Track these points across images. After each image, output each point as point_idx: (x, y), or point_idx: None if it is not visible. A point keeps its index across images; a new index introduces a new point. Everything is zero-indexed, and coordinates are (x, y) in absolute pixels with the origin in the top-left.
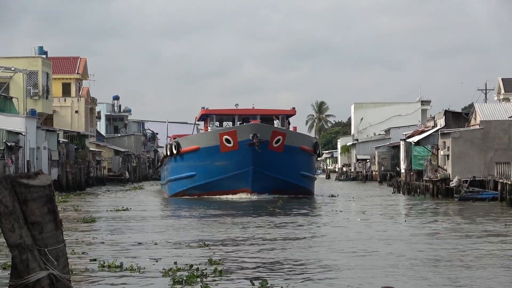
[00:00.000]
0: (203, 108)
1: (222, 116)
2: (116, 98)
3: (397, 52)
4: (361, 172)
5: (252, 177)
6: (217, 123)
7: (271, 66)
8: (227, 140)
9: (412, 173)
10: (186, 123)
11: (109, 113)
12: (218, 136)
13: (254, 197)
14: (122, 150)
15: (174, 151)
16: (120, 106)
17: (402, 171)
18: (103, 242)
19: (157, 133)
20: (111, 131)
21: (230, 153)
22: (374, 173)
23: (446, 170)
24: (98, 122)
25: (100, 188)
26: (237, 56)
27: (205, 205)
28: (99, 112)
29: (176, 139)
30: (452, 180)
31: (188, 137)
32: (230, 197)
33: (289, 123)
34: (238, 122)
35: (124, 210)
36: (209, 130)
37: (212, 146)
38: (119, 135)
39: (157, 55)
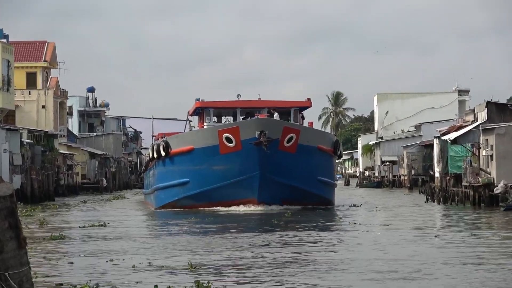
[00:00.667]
0: (197, 100)
1: (221, 110)
2: (91, 90)
3: (428, 32)
4: (386, 176)
5: (258, 184)
6: (214, 118)
7: (277, 51)
8: (228, 139)
9: (448, 178)
10: (176, 119)
11: (82, 108)
12: (217, 134)
13: (261, 208)
14: (99, 152)
15: (162, 153)
16: (95, 99)
17: (437, 175)
18: (72, 262)
19: (140, 132)
20: (85, 130)
21: (231, 154)
22: (402, 177)
23: (489, 174)
24: (69, 119)
25: (73, 199)
26: (237, 39)
27: (198, 218)
28: (70, 107)
29: (164, 138)
30: (496, 186)
31: (180, 136)
32: (231, 209)
33: (303, 118)
34: (241, 117)
35: (101, 225)
36: (205, 126)
37: (209, 146)
38: (95, 134)
39: (141, 39)
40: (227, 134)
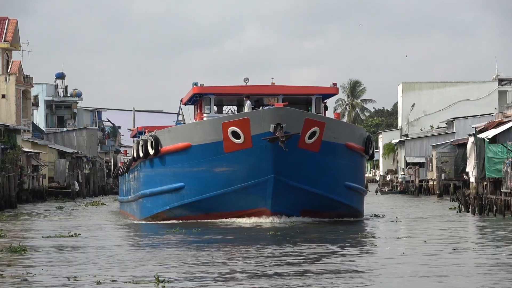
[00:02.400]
0: (195, 84)
1: (223, 97)
2: (61, 76)
3: (464, 11)
4: (412, 181)
5: (272, 190)
6: (215, 108)
7: (285, 31)
8: (235, 134)
9: (485, 183)
10: (162, 112)
11: (50, 98)
12: (221, 127)
13: (276, 220)
14: (70, 151)
15: (151, 151)
16: (66, 88)
17: (472, 180)
18: (26, 279)
19: (119, 127)
20: (53, 124)
21: (238, 153)
22: (431, 183)
23: None
24: (35, 111)
25: (39, 206)
26: (237, 18)
27: (183, 230)
28: (36, 97)
29: (153, 133)
30: None
31: (173, 130)
32: (237, 221)
33: (326, 108)
34: (250, 106)
35: (71, 236)
36: (205, 118)
37: (211, 143)
38: (65, 129)
39: (122, 16)
40: (234, 128)
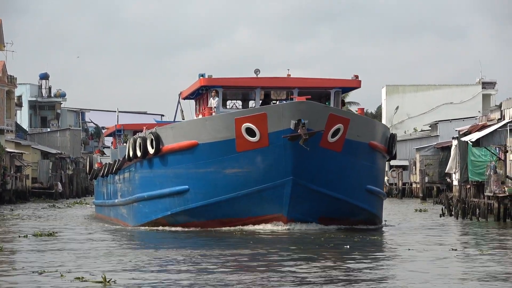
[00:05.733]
0: (201, 76)
1: (229, 90)
2: (45, 77)
3: (456, 14)
4: (395, 184)
5: (290, 194)
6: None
7: (276, 33)
8: (250, 131)
9: (468, 186)
10: (145, 113)
11: (34, 99)
12: (233, 123)
13: (292, 227)
14: (53, 151)
15: (151, 150)
16: (50, 88)
17: (455, 183)
18: None
19: (103, 127)
20: (37, 125)
21: (253, 152)
22: (414, 185)
23: None
24: (18, 112)
25: (21, 206)
26: (228, 19)
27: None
28: (19, 97)
29: (154, 130)
30: None
31: (177, 127)
32: (250, 228)
33: (343, 104)
34: (259, 101)
35: (48, 235)
36: (214, 113)
37: (222, 141)
38: (49, 130)
39: (112, 15)
40: (248, 124)
